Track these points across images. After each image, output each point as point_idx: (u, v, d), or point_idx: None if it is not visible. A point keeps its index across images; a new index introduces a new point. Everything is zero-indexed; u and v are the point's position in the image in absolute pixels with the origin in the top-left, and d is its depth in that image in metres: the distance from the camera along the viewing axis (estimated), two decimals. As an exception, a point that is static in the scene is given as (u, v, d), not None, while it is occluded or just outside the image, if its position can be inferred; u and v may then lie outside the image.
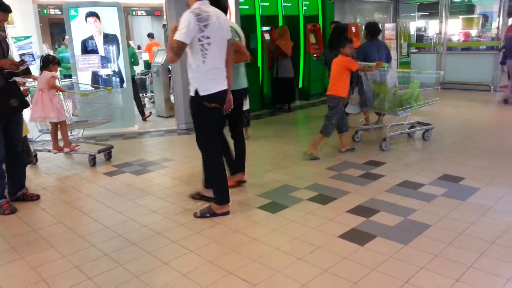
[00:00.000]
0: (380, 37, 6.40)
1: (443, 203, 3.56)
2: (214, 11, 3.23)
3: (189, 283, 2.53)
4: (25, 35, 7.83)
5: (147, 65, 10.10)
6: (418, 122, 5.82)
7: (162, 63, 8.02)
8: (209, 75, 3.23)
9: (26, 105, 3.84)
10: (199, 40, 3.12)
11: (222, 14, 3.35)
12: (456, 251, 2.78)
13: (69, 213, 3.69)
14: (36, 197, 4.00)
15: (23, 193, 3.96)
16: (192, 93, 3.27)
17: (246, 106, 5.19)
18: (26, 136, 4.40)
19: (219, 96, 3.32)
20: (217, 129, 3.47)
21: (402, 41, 10.69)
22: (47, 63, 4.91)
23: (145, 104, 9.44)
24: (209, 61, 3.19)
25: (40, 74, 4.84)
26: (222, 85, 3.32)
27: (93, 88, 5.80)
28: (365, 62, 6.03)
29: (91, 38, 6.61)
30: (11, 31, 7.83)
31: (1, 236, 3.27)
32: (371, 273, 2.55)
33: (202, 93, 3.24)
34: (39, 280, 2.63)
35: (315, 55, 8.99)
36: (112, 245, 3.06)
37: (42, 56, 5.30)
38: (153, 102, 9.27)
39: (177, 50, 3.09)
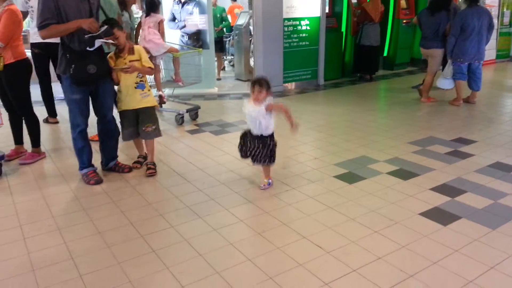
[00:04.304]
0: (480, 3, 5.80)
1: (540, 189, 3.25)
2: None
3: (264, 242, 2.61)
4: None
5: (229, 27, 10.16)
6: None
7: (244, 26, 8.01)
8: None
9: (105, 74, 3.42)
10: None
11: None
12: (553, 242, 2.54)
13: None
14: (128, 170, 3.75)
15: (115, 164, 3.79)
16: None
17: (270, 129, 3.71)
18: (153, 108, 3.73)
19: None
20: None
21: (505, 9, 9.62)
22: (156, 6, 5.10)
23: (224, 67, 9.60)
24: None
25: (146, 17, 5.08)
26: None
27: (184, 49, 5.94)
28: (462, 30, 5.55)
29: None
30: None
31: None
32: (453, 255, 2.43)
33: None
34: (127, 223, 2.86)
35: (404, 21, 8.40)
36: (193, 198, 3.23)
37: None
38: (232, 65, 9.38)
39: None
